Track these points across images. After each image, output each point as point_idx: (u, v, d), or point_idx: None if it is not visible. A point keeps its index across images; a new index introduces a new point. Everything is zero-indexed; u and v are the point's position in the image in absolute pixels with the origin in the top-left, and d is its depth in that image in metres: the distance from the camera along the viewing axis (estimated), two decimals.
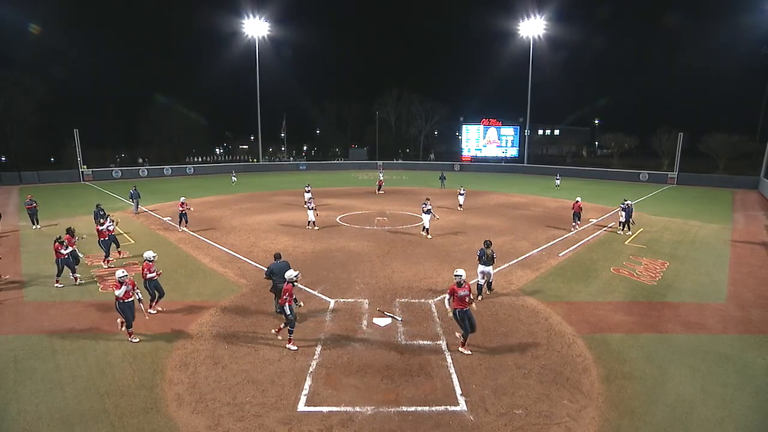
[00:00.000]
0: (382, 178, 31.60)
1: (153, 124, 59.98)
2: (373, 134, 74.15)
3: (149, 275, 9.02)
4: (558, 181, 35.05)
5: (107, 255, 12.91)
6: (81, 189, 33.31)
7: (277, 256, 9.11)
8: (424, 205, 16.23)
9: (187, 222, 17.28)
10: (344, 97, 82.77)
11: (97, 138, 52.91)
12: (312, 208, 17.44)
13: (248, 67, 53.56)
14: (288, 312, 7.61)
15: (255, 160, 72.94)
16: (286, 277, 7.85)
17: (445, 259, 13.73)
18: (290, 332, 7.76)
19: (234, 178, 38.06)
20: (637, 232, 17.54)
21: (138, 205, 22.75)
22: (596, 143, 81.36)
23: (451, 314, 7.57)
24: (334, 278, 11.61)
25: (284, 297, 7.60)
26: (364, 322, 8.68)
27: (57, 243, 10.87)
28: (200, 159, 73.85)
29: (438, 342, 8.02)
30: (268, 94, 60.72)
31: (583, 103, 72.31)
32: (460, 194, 23.70)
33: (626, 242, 16.01)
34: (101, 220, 13.41)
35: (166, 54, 74.62)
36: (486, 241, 10.13)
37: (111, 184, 37.60)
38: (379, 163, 63.30)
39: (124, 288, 7.77)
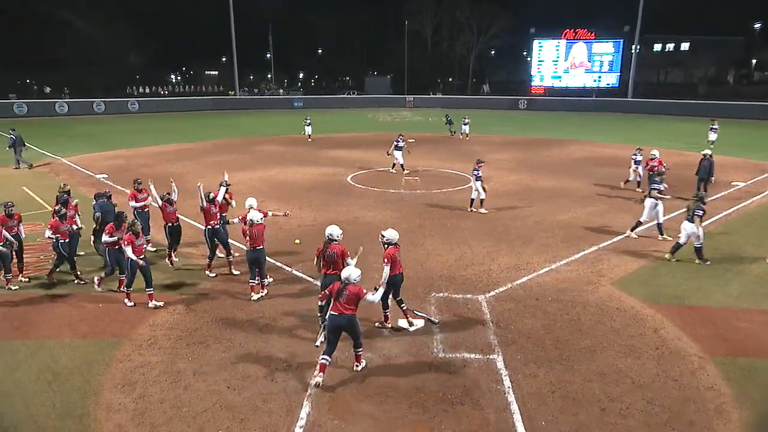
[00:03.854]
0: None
1: (72, 37, 58.58)
2: (400, 56, 72.57)
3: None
4: (713, 134, 28.89)
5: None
6: None
7: (100, 195, 11.69)
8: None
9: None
10: (357, 1, 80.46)
11: None
12: (480, 178, 15.37)
13: None
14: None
15: (231, 92, 73.07)
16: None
17: (502, 237, 13.58)
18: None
19: (308, 128, 33.41)
20: None
21: (21, 156, 23.28)
22: (753, 62, 76.14)
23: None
24: None
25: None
26: (387, 325, 8.69)
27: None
28: (148, 90, 74.35)
29: (491, 356, 7.99)
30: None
31: None
32: (635, 160, 19.18)
33: None
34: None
35: None
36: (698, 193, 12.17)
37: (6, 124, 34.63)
38: (417, 98, 61.59)
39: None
